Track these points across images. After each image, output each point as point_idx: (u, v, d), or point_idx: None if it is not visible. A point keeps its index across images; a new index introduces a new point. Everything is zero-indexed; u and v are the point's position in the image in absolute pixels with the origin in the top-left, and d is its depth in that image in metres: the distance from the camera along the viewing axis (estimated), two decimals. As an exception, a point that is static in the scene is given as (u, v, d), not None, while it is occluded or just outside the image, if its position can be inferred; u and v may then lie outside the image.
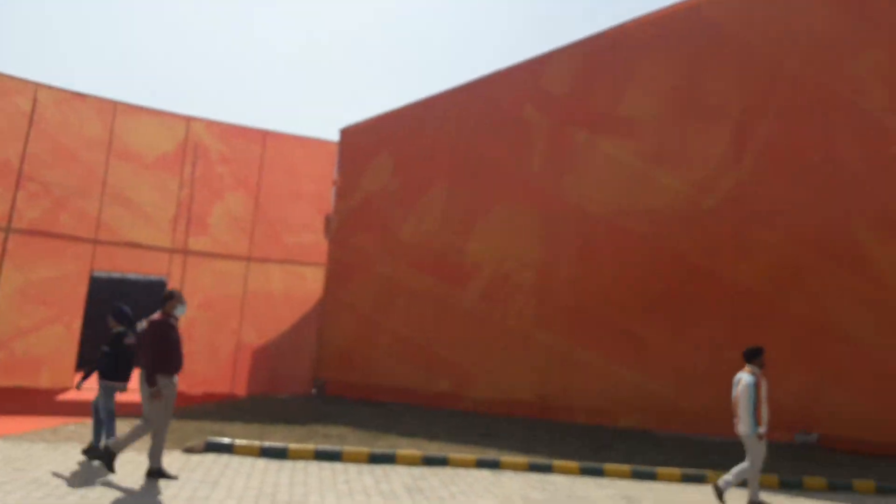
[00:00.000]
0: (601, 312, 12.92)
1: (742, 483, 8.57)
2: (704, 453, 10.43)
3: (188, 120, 14.84)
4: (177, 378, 7.42)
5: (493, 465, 8.86)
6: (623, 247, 12.94)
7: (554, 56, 13.99)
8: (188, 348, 12.73)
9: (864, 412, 11.15)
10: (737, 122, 12.54)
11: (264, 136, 15.48)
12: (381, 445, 9.34)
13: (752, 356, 8.00)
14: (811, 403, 11.40)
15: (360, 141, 15.36)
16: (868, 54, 11.88)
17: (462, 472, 8.56)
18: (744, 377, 7.91)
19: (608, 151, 13.26)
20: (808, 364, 11.41)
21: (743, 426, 7.77)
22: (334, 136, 16.00)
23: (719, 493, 7.72)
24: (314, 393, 14.67)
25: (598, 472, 8.86)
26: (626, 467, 8.95)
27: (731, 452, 10.44)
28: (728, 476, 7.80)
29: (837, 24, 12.16)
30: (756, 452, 7.69)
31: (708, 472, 8.99)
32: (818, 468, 9.55)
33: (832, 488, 8.75)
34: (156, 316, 7.46)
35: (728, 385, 11.62)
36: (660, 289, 12.58)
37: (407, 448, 9.22)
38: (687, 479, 8.89)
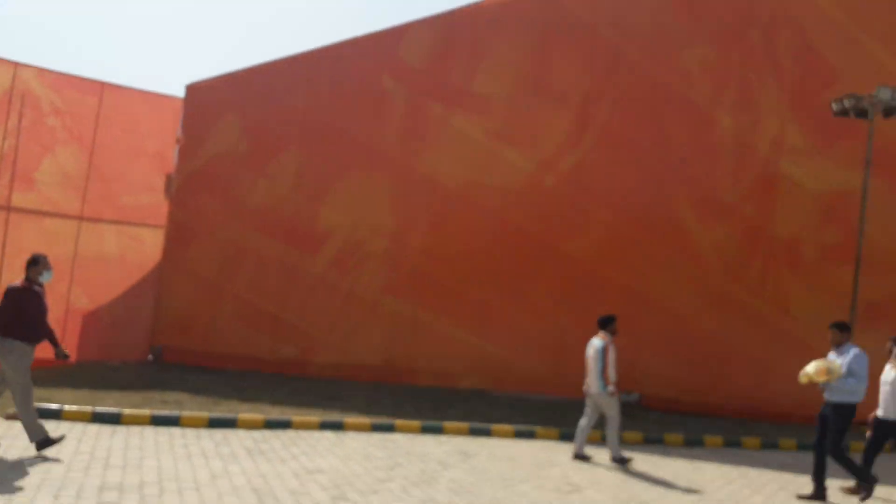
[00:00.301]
0: (448, 280, 13.33)
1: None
2: (536, 411, 11.13)
3: (15, 66, 13.53)
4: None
5: (337, 426, 9.00)
6: (471, 219, 13.38)
7: (412, 27, 14.07)
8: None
9: (677, 375, 12.32)
10: (579, 105, 13.25)
11: (101, 88, 14.44)
12: (222, 410, 9.21)
13: (605, 323, 8.67)
14: (633, 366, 12.39)
15: (208, 99, 14.73)
16: (697, 49, 12.92)
17: (305, 434, 8.64)
18: (595, 342, 8.56)
19: (461, 126, 13.60)
20: (630, 331, 12.31)
21: (593, 386, 8.44)
22: (180, 92, 15.20)
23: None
24: (151, 360, 14.10)
25: (437, 430, 9.25)
26: (463, 425, 9.42)
27: (559, 410, 11.21)
28: (612, 448, 8.36)
29: (672, 17, 13.11)
30: (612, 408, 8.38)
31: (538, 428, 9.63)
32: (637, 424, 10.47)
33: (647, 442, 9.66)
34: (18, 283, 6.94)
35: (559, 348, 12.48)
36: (503, 259, 13.15)
37: (249, 413, 9.14)
38: (519, 434, 9.49)
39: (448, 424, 9.37)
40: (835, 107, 11.07)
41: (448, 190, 13.52)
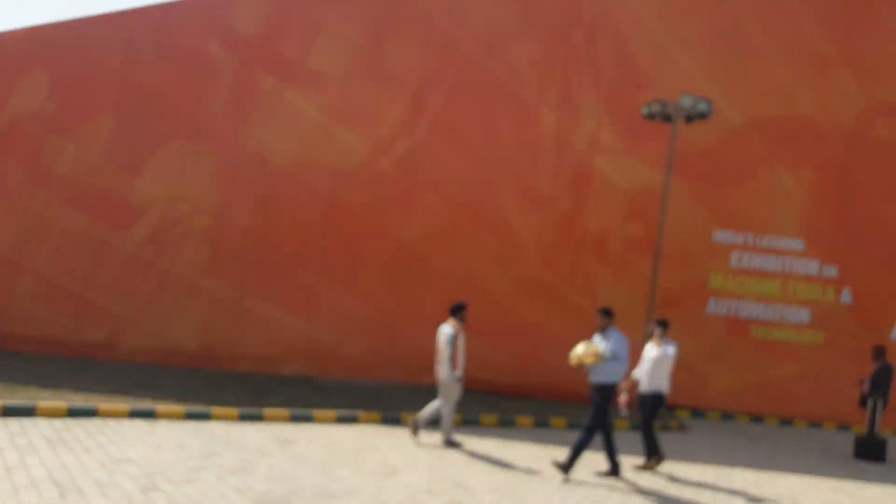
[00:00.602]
0: (275, 263, 13.00)
1: (435, 422, 9.15)
2: (360, 396, 11.23)
3: None
4: None
5: (148, 414, 8.58)
6: (300, 199, 13.10)
7: (245, -8, 13.47)
8: None
9: (494, 357, 12.87)
10: (414, 90, 13.36)
11: None
12: (19, 397, 8.46)
13: (456, 311, 8.95)
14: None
15: (11, 52, 13.23)
16: (526, 45, 13.44)
17: (113, 422, 8.15)
18: (445, 329, 8.80)
19: (294, 102, 13.25)
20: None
21: (442, 371, 8.64)
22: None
23: (415, 428, 8.66)
24: (-68, 341, 12.60)
25: (257, 417, 9.08)
26: (284, 411, 9.30)
27: (384, 394, 11.40)
28: (445, 430, 8.65)
29: (504, 11, 13.51)
30: (451, 394, 8.64)
31: (360, 413, 9.73)
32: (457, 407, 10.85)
33: (465, 423, 10.07)
34: None
35: (386, 333, 12.66)
36: (331, 242, 13.03)
37: (49, 400, 8.46)
38: (341, 419, 9.54)
39: (268, 411, 9.21)
40: (644, 111, 12.06)
41: (277, 167, 13.15)
